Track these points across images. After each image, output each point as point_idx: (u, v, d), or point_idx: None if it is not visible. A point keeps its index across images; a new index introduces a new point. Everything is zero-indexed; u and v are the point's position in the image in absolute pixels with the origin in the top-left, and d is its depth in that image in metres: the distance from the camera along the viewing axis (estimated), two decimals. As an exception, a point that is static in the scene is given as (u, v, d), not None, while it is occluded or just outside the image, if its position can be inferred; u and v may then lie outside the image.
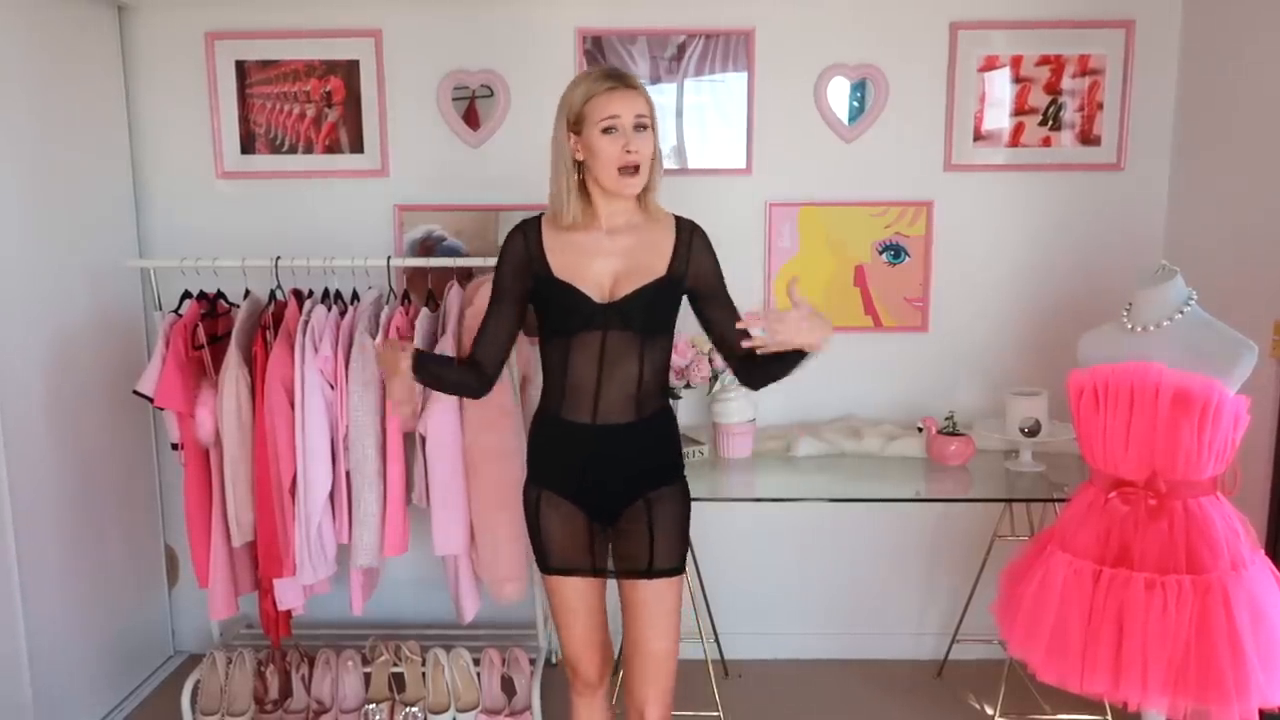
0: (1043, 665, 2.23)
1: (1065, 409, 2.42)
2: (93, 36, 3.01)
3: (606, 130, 1.98)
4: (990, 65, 3.09)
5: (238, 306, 2.83)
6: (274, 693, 2.96)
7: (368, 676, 2.98)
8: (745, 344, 2.02)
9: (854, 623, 3.36)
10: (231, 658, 2.95)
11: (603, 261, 2.07)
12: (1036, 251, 3.18)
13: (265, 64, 3.14)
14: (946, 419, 2.96)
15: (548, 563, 2.16)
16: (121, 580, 3.11)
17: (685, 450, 2.90)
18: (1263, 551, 2.23)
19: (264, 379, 2.69)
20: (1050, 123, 3.11)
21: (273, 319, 2.76)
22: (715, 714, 2.89)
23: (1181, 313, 2.24)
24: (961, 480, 2.88)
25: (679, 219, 2.13)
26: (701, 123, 3.16)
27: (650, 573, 2.10)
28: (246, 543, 2.80)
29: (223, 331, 2.85)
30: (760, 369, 2.11)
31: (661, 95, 3.12)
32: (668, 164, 3.12)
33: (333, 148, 3.17)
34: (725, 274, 2.15)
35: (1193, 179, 3.03)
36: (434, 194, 3.17)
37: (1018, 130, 3.12)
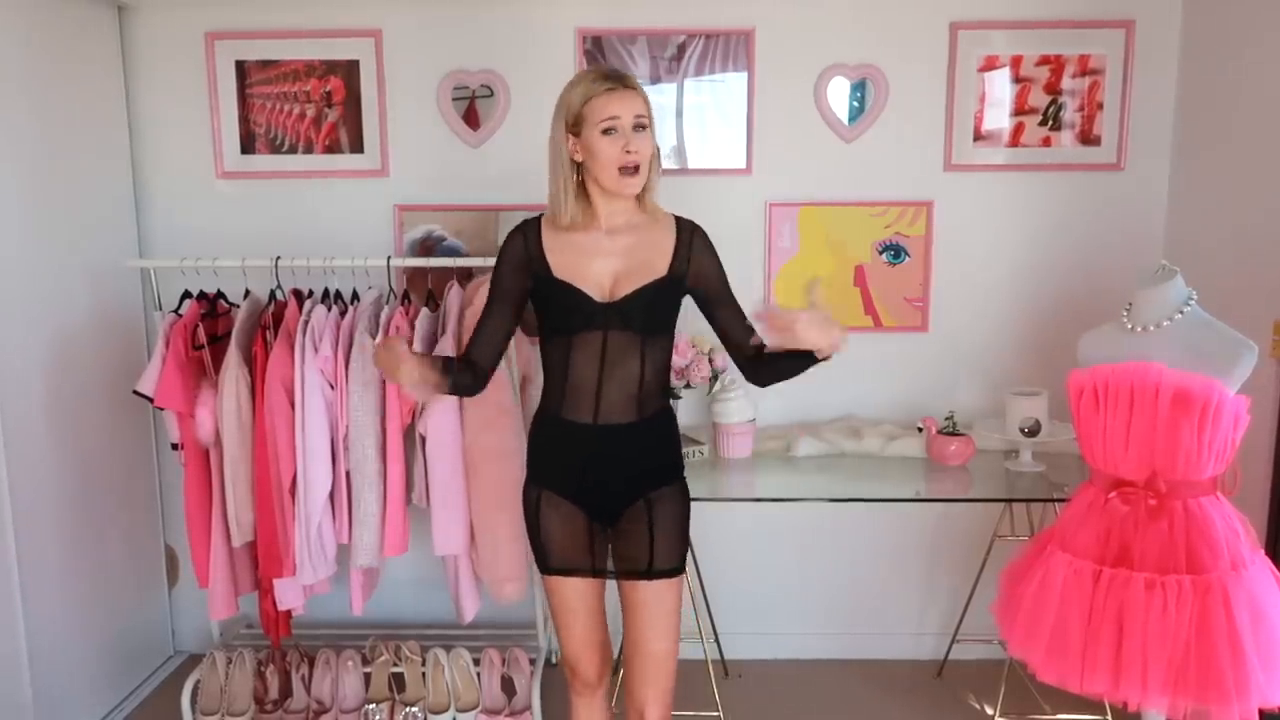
0: (1043, 665, 2.23)
1: (1065, 409, 2.42)
2: (93, 36, 3.01)
3: (606, 131, 1.98)
4: (990, 65, 3.09)
5: (238, 306, 2.83)
6: (274, 693, 2.96)
7: (368, 676, 2.98)
8: (753, 340, 2.04)
9: (854, 623, 3.36)
10: (231, 658, 2.95)
11: (603, 261, 2.07)
12: (1036, 251, 3.18)
13: (265, 64, 3.14)
14: (946, 419, 2.96)
15: (547, 563, 2.16)
16: (121, 580, 3.11)
17: (685, 450, 2.91)
18: (1263, 551, 2.23)
19: (264, 379, 2.69)
20: (1050, 123, 3.11)
21: (273, 319, 2.76)
22: (715, 714, 2.89)
23: (1181, 313, 2.24)
24: (961, 480, 2.88)
25: (679, 219, 2.13)
26: (701, 123, 3.16)
27: (650, 573, 2.10)
28: (246, 543, 2.80)
29: (223, 331, 2.85)
30: (769, 367, 2.11)
31: (661, 95, 3.12)
32: (668, 164, 3.12)
33: (333, 148, 3.17)
34: (724, 268, 2.15)
35: (1193, 179, 3.03)
36: (434, 194, 3.17)
37: (1018, 130, 3.12)
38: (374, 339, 2.68)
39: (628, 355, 2.07)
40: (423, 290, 2.98)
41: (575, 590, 2.16)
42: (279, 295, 2.81)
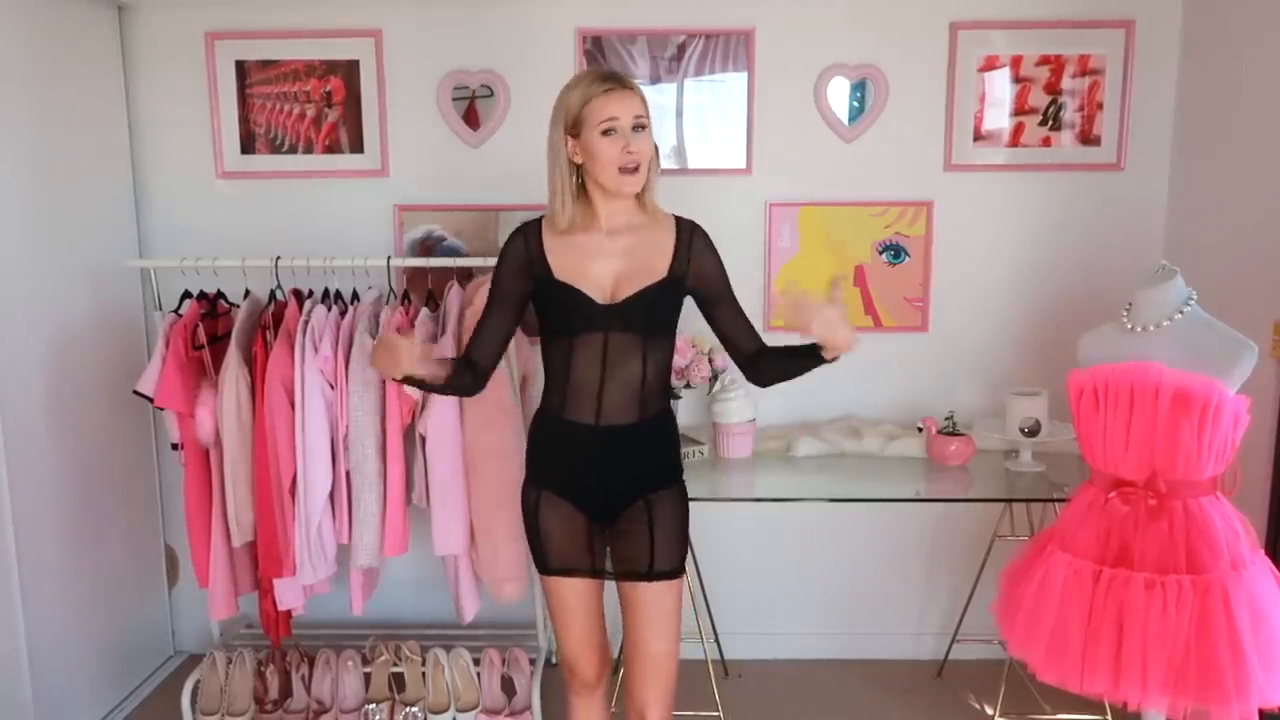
0: (1043, 665, 2.23)
1: (1065, 409, 2.42)
2: (93, 36, 3.01)
3: (606, 132, 1.98)
4: (990, 65, 3.09)
5: (238, 306, 2.83)
6: (274, 693, 2.96)
7: (368, 676, 2.98)
8: (754, 344, 2.11)
9: (854, 623, 3.36)
10: (231, 658, 2.95)
11: (604, 262, 2.07)
12: (1036, 251, 3.18)
13: (265, 64, 3.14)
14: (946, 419, 2.96)
15: (547, 563, 2.16)
16: (121, 580, 3.11)
17: (685, 450, 2.93)
18: (1263, 551, 2.23)
19: (264, 379, 2.69)
20: (1050, 123, 3.11)
21: (273, 319, 2.76)
22: (715, 714, 2.89)
23: (1181, 313, 2.24)
24: (961, 480, 2.88)
25: (679, 219, 2.13)
26: (701, 123, 3.16)
27: (651, 574, 2.10)
28: (246, 543, 2.80)
29: (223, 331, 2.85)
30: (772, 367, 2.14)
31: (661, 95, 3.12)
32: (668, 164, 3.12)
33: (333, 148, 3.17)
34: (725, 269, 2.15)
35: (1193, 179, 3.03)
36: (434, 194, 3.17)
37: (1018, 130, 3.12)
38: (374, 339, 2.67)
39: (629, 356, 2.07)
40: (423, 290, 2.98)
41: (574, 590, 2.16)
42: (279, 295, 2.81)
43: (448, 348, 2.68)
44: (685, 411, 3.14)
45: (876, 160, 3.14)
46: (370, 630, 3.08)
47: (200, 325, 2.77)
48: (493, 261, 2.78)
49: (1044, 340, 3.16)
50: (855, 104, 3.13)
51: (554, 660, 3.20)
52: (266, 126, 3.17)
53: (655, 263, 2.08)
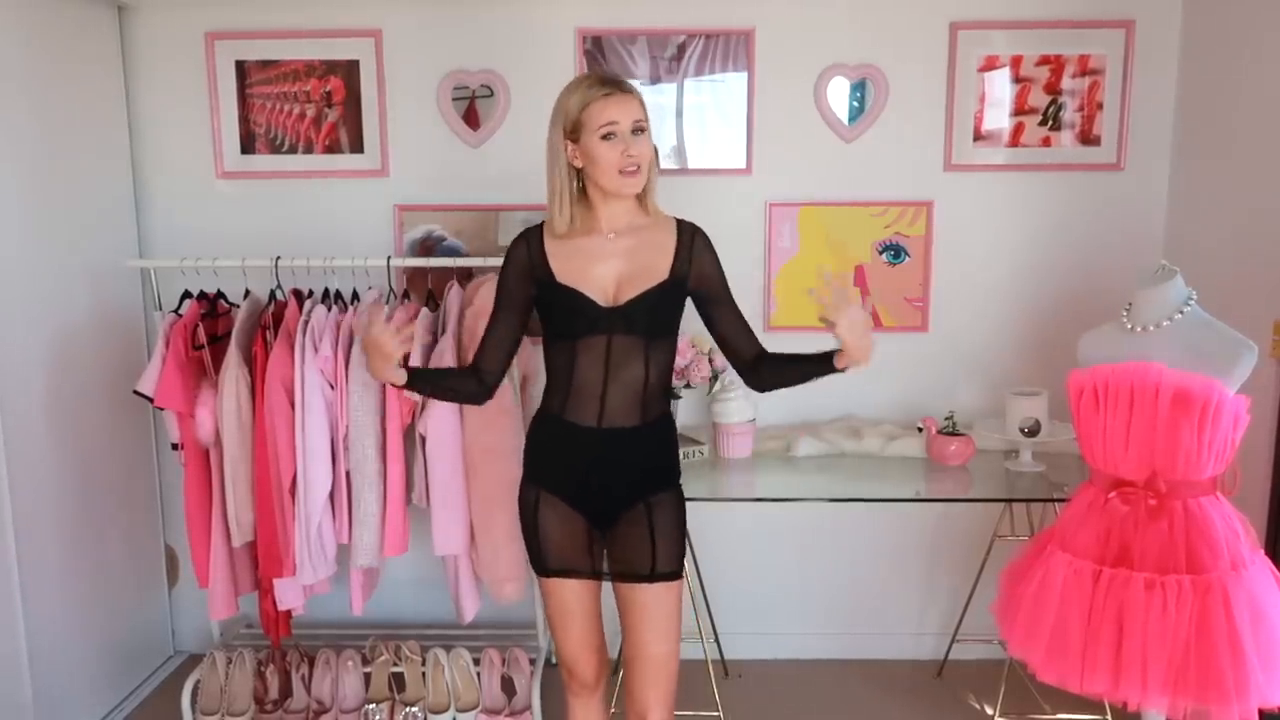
0: (1043, 665, 2.23)
1: (1065, 409, 2.42)
2: (93, 36, 3.01)
3: (605, 136, 1.98)
4: (990, 65, 3.09)
5: (238, 306, 2.83)
6: (274, 693, 2.96)
7: (368, 676, 2.98)
8: (754, 349, 2.13)
9: (854, 623, 3.36)
10: (231, 658, 2.95)
11: (606, 264, 2.07)
12: (1036, 251, 3.18)
13: (265, 64, 3.14)
14: (946, 419, 2.96)
15: (545, 564, 2.16)
16: (121, 580, 3.11)
17: (685, 450, 2.93)
18: (1263, 551, 2.23)
19: (264, 379, 2.69)
20: (1050, 123, 3.11)
21: (273, 319, 2.76)
22: (715, 714, 2.89)
23: (1181, 313, 2.24)
24: (961, 480, 2.88)
25: (680, 221, 2.14)
26: (701, 123, 3.16)
27: (654, 576, 2.10)
28: (246, 543, 2.80)
29: (223, 331, 2.85)
30: (774, 373, 2.15)
31: (661, 95, 3.12)
32: (668, 164, 3.13)
33: (333, 148, 3.17)
34: (725, 272, 2.15)
35: (1193, 179, 3.03)
36: (434, 194, 3.17)
37: (1018, 130, 3.12)
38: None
39: (632, 358, 2.07)
40: (423, 290, 2.98)
41: (574, 592, 2.16)
42: (279, 295, 2.81)
43: (448, 347, 2.68)
44: (685, 411, 3.14)
45: (876, 160, 3.14)
46: (370, 630, 3.08)
47: (200, 325, 2.77)
48: (493, 261, 2.80)
49: (1044, 340, 3.16)
50: (855, 104, 3.13)
51: (554, 660, 3.20)
52: (266, 126, 3.17)
53: (657, 264, 2.08)
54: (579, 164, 2.03)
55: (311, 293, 2.85)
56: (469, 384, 2.17)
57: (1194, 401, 2.10)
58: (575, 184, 2.06)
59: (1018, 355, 3.21)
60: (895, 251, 3.18)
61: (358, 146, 3.16)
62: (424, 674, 2.94)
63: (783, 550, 3.33)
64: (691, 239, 2.12)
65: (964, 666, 3.25)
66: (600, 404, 2.08)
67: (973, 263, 3.18)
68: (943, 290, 3.20)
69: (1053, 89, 3.10)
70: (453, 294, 2.79)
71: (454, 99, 3.14)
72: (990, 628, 2.62)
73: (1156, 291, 2.27)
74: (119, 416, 3.06)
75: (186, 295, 2.83)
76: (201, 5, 3.09)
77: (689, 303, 2.15)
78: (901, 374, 3.22)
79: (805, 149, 3.14)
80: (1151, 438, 2.16)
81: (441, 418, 2.70)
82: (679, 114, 3.15)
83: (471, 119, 3.15)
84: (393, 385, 2.14)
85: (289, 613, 2.91)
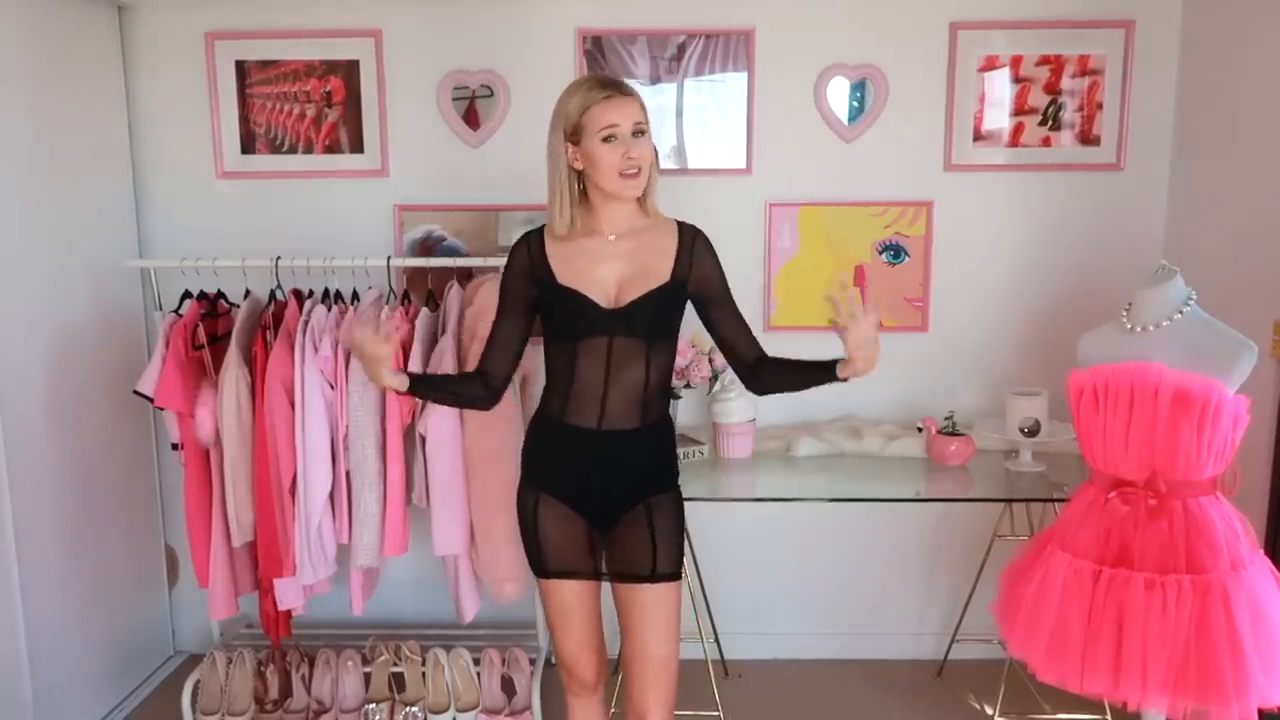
0: (1043, 665, 2.23)
1: (1065, 409, 2.42)
2: (93, 36, 3.01)
3: (606, 139, 1.99)
4: (990, 65, 3.09)
5: (238, 306, 2.83)
6: (274, 693, 2.96)
7: (368, 676, 2.98)
8: (755, 353, 2.14)
9: (854, 623, 3.36)
10: (231, 658, 2.95)
11: (607, 266, 2.07)
12: (1036, 251, 3.18)
13: (265, 64, 3.14)
14: (946, 419, 2.96)
15: (545, 566, 2.16)
16: (121, 580, 3.11)
17: (685, 450, 2.93)
18: (1262, 551, 2.23)
19: (264, 379, 2.69)
20: (1050, 123, 3.11)
21: (273, 319, 2.76)
22: (715, 714, 2.89)
23: (1181, 313, 2.24)
24: (961, 480, 2.88)
25: (681, 224, 2.14)
26: (701, 123, 3.16)
27: (654, 577, 2.11)
28: (246, 543, 2.80)
29: (223, 331, 2.85)
30: (775, 377, 2.15)
31: (661, 95, 3.12)
32: (668, 164, 3.13)
33: (333, 148, 3.17)
34: (725, 273, 2.15)
35: (1193, 179, 3.03)
36: (434, 194, 3.17)
37: (1017, 130, 3.12)
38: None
39: (633, 360, 2.07)
40: (423, 290, 2.98)
41: (574, 593, 2.16)
42: (279, 295, 2.81)
43: (448, 348, 2.68)
44: (685, 411, 3.14)
45: (876, 160, 3.14)
46: (370, 630, 3.08)
47: (200, 325, 2.77)
48: (493, 261, 2.81)
49: (1044, 340, 3.16)
50: (855, 104, 3.13)
51: (554, 660, 3.20)
52: (266, 126, 3.17)
53: (658, 266, 2.08)
54: (579, 166, 2.04)
55: (311, 293, 2.85)
56: (474, 388, 2.18)
57: (1194, 401, 2.10)
58: (576, 186, 2.06)
59: (1018, 355, 3.21)
60: (895, 251, 3.18)
61: (358, 146, 3.16)
62: (424, 674, 2.94)
63: (783, 550, 3.33)
64: (693, 241, 2.12)
65: (964, 666, 3.25)
66: (601, 406, 2.08)
67: (973, 263, 3.18)
68: (943, 290, 3.20)
69: (1053, 89, 3.10)
70: (453, 294, 2.79)
71: (454, 99, 3.14)
72: (990, 628, 2.62)
73: (1156, 291, 2.27)
74: (119, 416, 3.06)
75: (186, 295, 2.82)
76: (201, 5, 3.09)
77: (689, 305, 2.15)
78: (901, 374, 3.22)
79: (805, 149, 3.14)
80: (1151, 438, 2.16)
81: (441, 418, 2.70)
82: (679, 114, 3.14)
83: (471, 119, 3.15)
84: (395, 391, 2.14)
85: (289, 613, 2.91)
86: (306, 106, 3.15)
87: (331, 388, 2.70)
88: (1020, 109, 3.11)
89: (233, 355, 2.71)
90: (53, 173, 2.81)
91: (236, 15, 3.10)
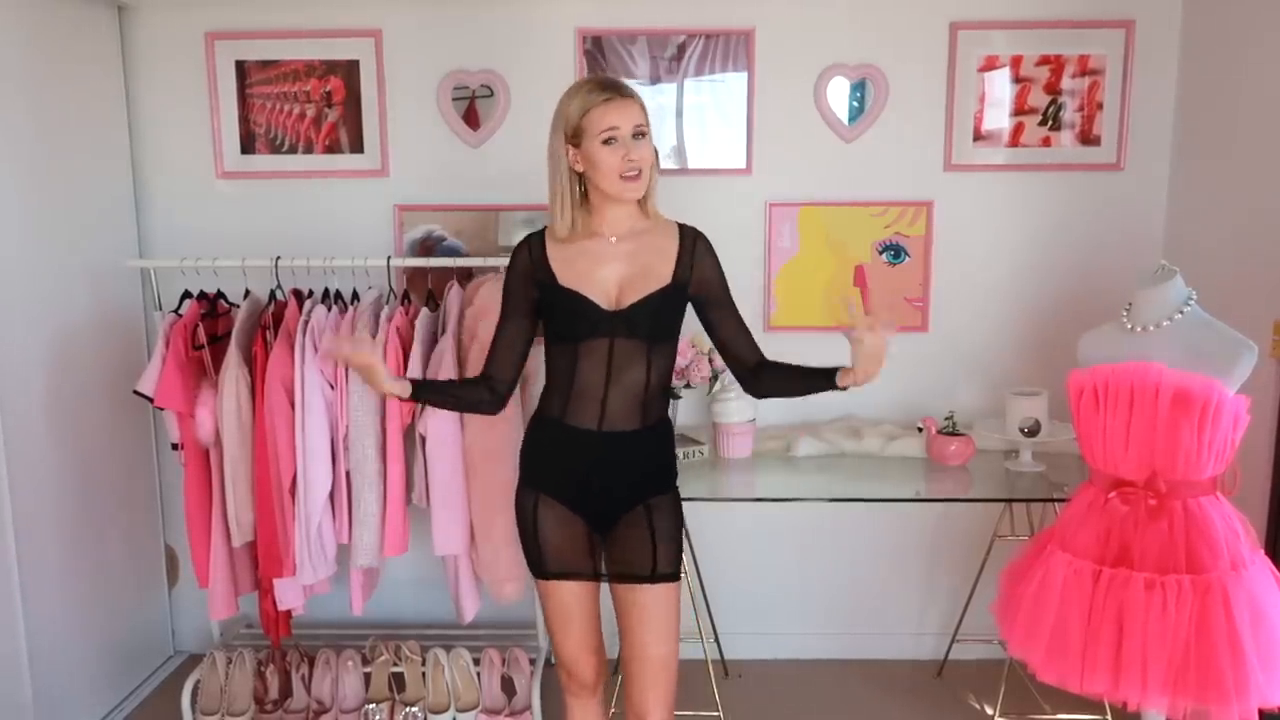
0: (1043, 665, 2.23)
1: (1065, 409, 2.42)
2: (93, 36, 3.01)
3: (606, 142, 1.99)
4: (990, 65, 3.09)
5: (238, 306, 2.83)
6: (274, 693, 2.96)
7: (368, 676, 2.98)
8: (754, 356, 2.14)
9: (854, 623, 3.36)
10: (231, 658, 2.95)
11: (608, 268, 2.07)
12: (1036, 251, 3.18)
13: (265, 64, 3.14)
14: (946, 419, 2.96)
15: (545, 568, 2.16)
16: (121, 580, 3.11)
17: (685, 450, 2.93)
18: (1263, 551, 2.23)
19: (264, 379, 2.69)
20: (1050, 123, 3.11)
21: (273, 319, 2.76)
22: (715, 714, 2.89)
23: (1181, 313, 2.24)
24: (961, 480, 2.88)
25: (682, 226, 2.14)
26: (701, 123, 3.15)
27: (654, 577, 2.11)
28: (246, 543, 2.80)
29: (223, 331, 2.85)
30: (775, 381, 2.15)
31: (661, 95, 3.12)
32: (668, 164, 3.13)
33: (333, 148, 3.17)
34: (725, 274, 2.16)
35: (1193, 179, 3.03)
36: (434, 194, 3.17)
37: (1017, 130, 3.12)
38: (374, 339, 2.67)
39: (634, 362, 2.07)
40: (423, 290, 2.98)
41: (573, 594, 2.16)
42: (279, 295, 2.81)
43: (448, 348, 2.68)
44: (685, 411, 3.14)
45: (876, 160, 3.14)
46: (370, 630, 3.08)
47: (200, 325, 2.77)
48: (493, 261, 2.81)
49: (1044, 340, 3.16)
50: (855, 104, 3.13)
51: (554, 660, 3.20)
52: (266, 126, 3.17)
53: (659, 268, 2.08)
54: (580, 168, 2.04)
55: (311, 293, 2.85)
56: (479, 393, 2.18)
57: (1194, 401, 2.10)
58: (577, 188, 2.06)
59: (1018, 355, 3.21)
60: (895, 251, 3.18)
61: (358, 146, 3.16)
62: (424, 674, 2.94)
63: (783, 550, 3.33)
64: (693, 244, 2.12)
65: (964, 666, 3.25)
66: (601, 407, 2.08)
67: (973, 263, 3.18)
68: (943, 290, 3.19)
69: (1053, 89, 3.10)
70: (453, 294, 2.79)
71: (454, 99, 3.14)
72: (990, 628, 2.62)
73: (1156, 291, 2.26)
74: (119, 416, 3.06)
75: (186, 295, 2.82)
76: (201, 5, 3.09)
77: (689, 307, 2.16)
78: (901, 374, 3.20)
79: (805, 149, 3.14)
80: (1151, 438, 2.16)
81: (441, 418, 2.70)
82: (679, 114, 3.14)
83: (471, 119, 3.15)
84: (398, 398, 2.14)
85: (289, 613, 2.91)
86: (306, 106, 3.15)
87: (331, 388, 2.70)
88: (1020, 109, 3.11)
89: (233, 355, 2.71)
90: (53, 173, 2.81)
91: (236, 15, 3.10)
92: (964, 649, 3.23)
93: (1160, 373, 2.14)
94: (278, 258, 2.77)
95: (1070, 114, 3.11)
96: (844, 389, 2.06)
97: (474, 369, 2.63)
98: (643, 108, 2.03)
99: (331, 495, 2.72)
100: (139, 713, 3.10)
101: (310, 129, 3.16)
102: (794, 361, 2.17)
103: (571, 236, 2.08)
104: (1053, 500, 2.74)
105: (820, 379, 2.08)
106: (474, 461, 2.74)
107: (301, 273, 2.82)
